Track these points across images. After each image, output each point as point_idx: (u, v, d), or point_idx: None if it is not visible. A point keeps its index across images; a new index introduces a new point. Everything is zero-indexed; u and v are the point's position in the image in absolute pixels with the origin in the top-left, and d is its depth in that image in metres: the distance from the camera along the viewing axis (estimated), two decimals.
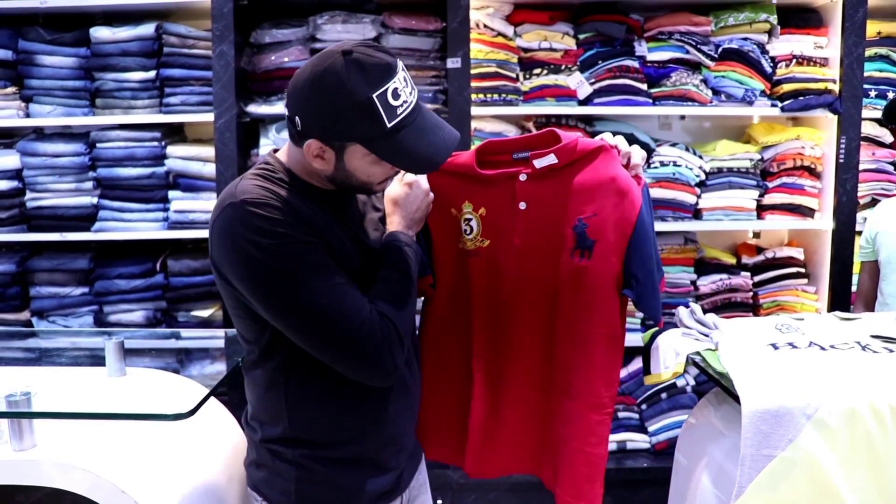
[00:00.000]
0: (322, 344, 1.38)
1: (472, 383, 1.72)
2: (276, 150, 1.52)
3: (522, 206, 1.62)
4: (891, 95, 2.95)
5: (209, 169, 2.81)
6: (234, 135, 2.74)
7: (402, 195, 1.58)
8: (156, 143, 2.84)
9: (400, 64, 1.37)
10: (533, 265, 1.64)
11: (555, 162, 1.60)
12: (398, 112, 1.34)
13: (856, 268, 2.80)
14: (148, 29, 2.79)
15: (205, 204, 2.83)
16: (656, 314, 1.66)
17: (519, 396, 1.73)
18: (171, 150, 2.86)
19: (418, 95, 1.41)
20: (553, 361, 1.69)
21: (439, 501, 2.82)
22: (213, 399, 1.93)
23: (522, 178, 1.62)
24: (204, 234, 2.83)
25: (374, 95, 1.31)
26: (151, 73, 2.81)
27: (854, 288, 2.84)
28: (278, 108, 2.82)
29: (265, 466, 1.55)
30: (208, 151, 2.81)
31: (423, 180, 1.60)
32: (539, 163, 1.60)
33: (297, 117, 1.37)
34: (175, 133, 3.02)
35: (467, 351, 1.72)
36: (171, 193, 2.86)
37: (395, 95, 1.34)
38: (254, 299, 1.38)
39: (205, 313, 2.88)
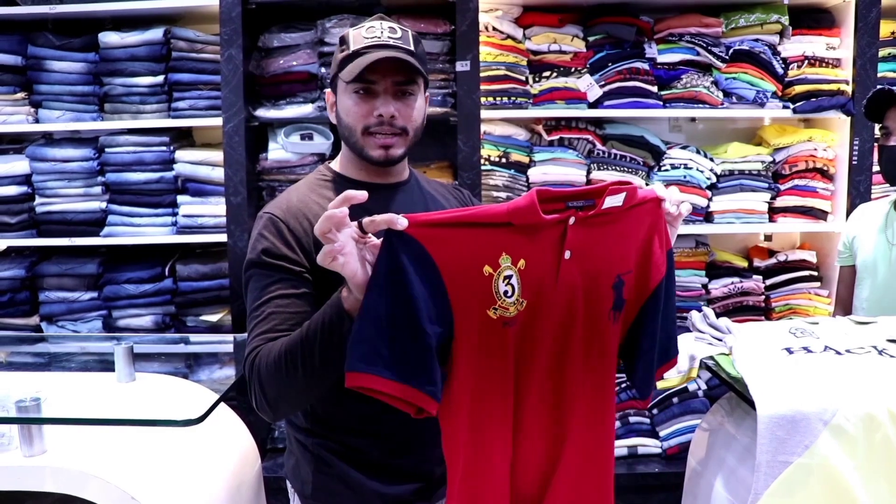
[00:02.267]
0: None
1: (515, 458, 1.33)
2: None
3: (567, 255, 1.30)
4: None
5: (218, 173, 2.80)
6: (243, 139, 2.73)
7: None
8: (164, 148, 2.84)
9: (389, 20, 1.47)
10: (573, 328, 1.33)
11: (620, 205, 1.33)
12: (366, 40, 1.41)
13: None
14: (156, 34, 2.79)
15: (213, 209, 2.82)
16: (646, 391, 1.45)
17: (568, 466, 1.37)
18: (180, 154, 2.85)
19: (404, 39, 1.44)
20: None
21: None
22: (222, 404, 1.93)
23: (572, 221, 1.29)
24: (212, 238, 2.83)
25: (353, 29, 1.44)
26: (160, 78, 2.81)
27: None
28: (287, 111, 2.82)
29: (293, 455, 1.58)
30: (217, 156, 2.81)
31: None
32: (610, 201, 1.32)
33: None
34: (183, 137, 3.02)
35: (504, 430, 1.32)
36: (180, 198, 2.86)
37: (373, 28, 1.43)
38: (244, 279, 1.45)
39: (214, 318, 2.88)
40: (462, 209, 1.26)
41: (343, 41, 1.44)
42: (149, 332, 2.87)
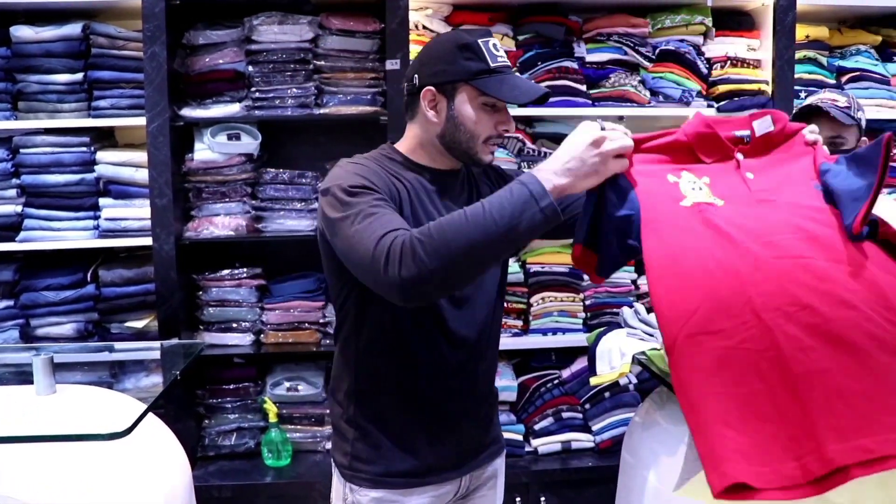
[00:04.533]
0: (355, 268, 1.47)
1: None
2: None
3: (750, 175, 1.47)
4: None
5: (142, 175, 2.71)
6: (168, 139, 2.65)
7: (568, 140, 1.41)
8: (84, 149, 2.73)
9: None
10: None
11: (772, 128, 1.50)
12: (499, 59, 1.59)
13: None
14: (74, 29, 2.68)
15: (138, 211, 2.73)
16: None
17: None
18: (101, 155, 2.75)
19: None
20: None
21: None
22: (150, 414, 1.87)
23: (740, 156, 1.49)
24: (136, 241, 2.73)
25: (479, 40, 1.58)
26: (79, 76, 2.69)
27: None
28: (214, 111, 2.75)
29: (335, 428, 1.76)
30: (140, 157, 2.71)
31: (609, 143, 1.38)
32: (759, 126, 1.50)
33: (415, 76, 1.63)
34: (105, 138, 2.91)
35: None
36: (102, 201, 2.75)
37: (496, 47, 1.60)
38: (331, 244, 1.53)
39: (139, 324, 2.79)
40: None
41: (470, 49, 1.57)
42: (70, 340, 2.74)
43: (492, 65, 1.57)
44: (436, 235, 1.34)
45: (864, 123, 2.35)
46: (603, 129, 1.39)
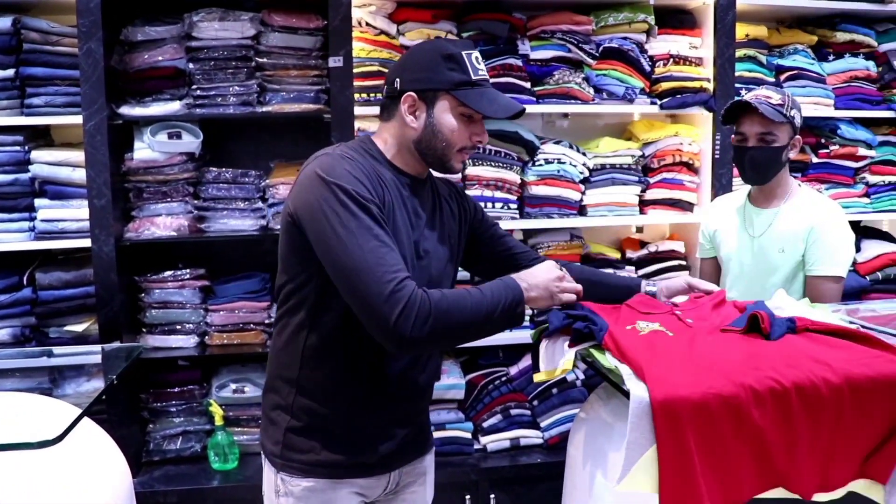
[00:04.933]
0: (353, 290, 1.50)
1: None
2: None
3: (690, 321, 1.88)
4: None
5: (79, 175, 2.64)
6: (106, 138, 2.58)
7: (541, 270, 1.71)
8: (18, 148, 2.65)
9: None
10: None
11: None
12: (480, 72, 1.66)
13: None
14: (4, 23, 2.58)
15: (75, 212, 2.66)
16: None
17: None
18: (36, 154, 2.67)
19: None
20: None
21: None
22: (87, 420, 1.83)
23: (678, 311, 1.94)
24: (74, 243, 2.67)
25: (462, 52, 1.64)
26: (10, 72, 2.61)
27: None
28: (153, 109, 2.69)
29: (266, 417, 1.76)
30: (78, 156, 2.64)
31: (566, 277, 1.75)
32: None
33: (396, 80, 1.66)
34: (40, 136, 2.83)
35: None
36: (38, 201, 2.67)
37: (478, 60, 1.67)
38: (316, 237, 1.54)
39: (79, 328, 2.72)
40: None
41: (454, 60, 1.63)
42: (6, 346, 2.66)
43: (473, 77, 1.64)
44: (449, 309, 1.52)
45: (798, 122, 2.40)
46: (561, 269, 1.74)
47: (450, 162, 1.70)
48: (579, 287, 1.74)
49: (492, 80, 2.75)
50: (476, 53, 1.67)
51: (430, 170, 1.78)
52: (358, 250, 1.48)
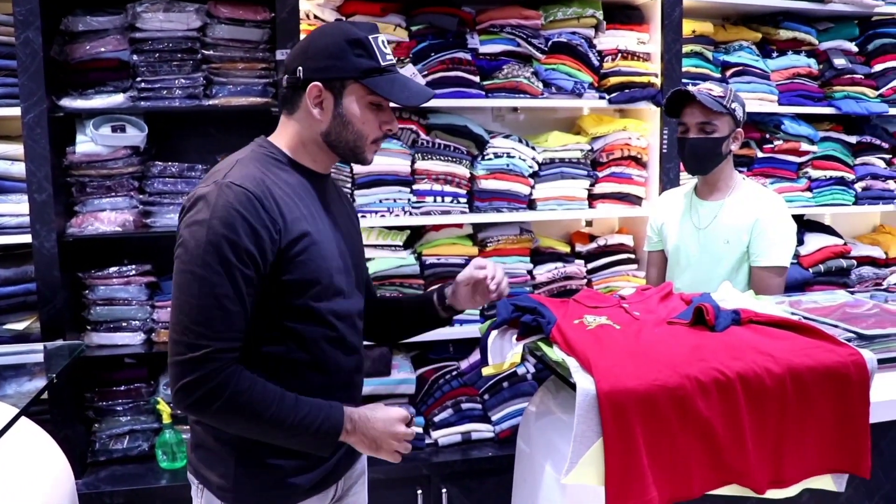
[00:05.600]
0: (171, 330, 1.45)
1: None
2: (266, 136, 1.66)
3: (637, 313, 1.96)
4: None
5: (18, 169, 2.57)
6: (46, 131, 2.51)
7: (384, 421, 1.58)
8: None
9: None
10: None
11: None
12: (387, 57, 1.57)
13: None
14: None
15: (15, 207, 2.59)
16: None
17: None
18: None
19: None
20: None
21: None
22: (26, 420, 1.78)
23: (625, 304, 2.03)
24: (14, 239, 2.59)
25: (369, 36, 1.54)
26: None
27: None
28: (96, 101, 2.63)
29: (204, 448, 1.62)
30: (17, 149, 2.57)
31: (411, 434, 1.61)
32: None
33: (299, 68, 1.55)
34: None
35: None
36: None
37: (384, 44, 1.58)
38: (175, 257, 1.47)
39: (20, 326, 2.65)
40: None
41: (361, 46, 1.53)
42: None
43: (382, 63, 1.55)
44: (246, 405, 1.44)
45: (740, 115, 2.44)
46: (411, 423, 1.61)
47: (363, 154, 1.62)
48: (409, 448, 1.61)
49: (440, 75, 2.82)
50: (382, 36, 1.58)
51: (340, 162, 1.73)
52: (193, 300, 1.42)
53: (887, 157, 3.56)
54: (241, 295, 1.44)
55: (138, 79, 2.67)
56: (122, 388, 2.81)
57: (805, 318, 2.05)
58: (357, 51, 1.53)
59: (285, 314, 1.55)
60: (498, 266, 1.85)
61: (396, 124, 1.67)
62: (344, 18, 2.81)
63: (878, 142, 3.52)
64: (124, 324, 2.77)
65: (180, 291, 1.44)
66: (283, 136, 1.64)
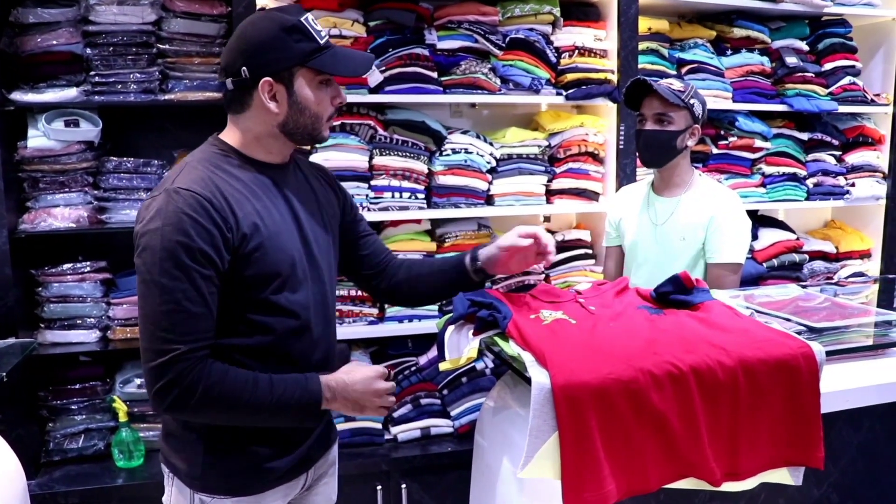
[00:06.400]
0: (140, 337, 1.48)
1: None
2: (219, 133, 1.67)
3: (593, 308, 1.96)
4: None
5: None
6: None
7: (362, 381, 1.62)
8: None
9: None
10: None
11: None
12: (322, 34, 1.59)
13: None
14: None
15: None
16: None
17: None
18: None
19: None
20: None
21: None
22: None
23: (581, 299, 2.02)
24: None
25: (300, 19, 1.56)
26: None
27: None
28: (48, 95, 2.58)
29: (173, 436, 1.66)
30: None
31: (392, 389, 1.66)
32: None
33: (242, 69, 1.54)
34: None
35: None
36: None
37: (315, 22, 1.59)
38: (136, 268, 1.49)
39: None
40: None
41: (298, 30, 1.55)
42: None
43: (321, 42, 1.58)
44: (221, 396, 1.48)
45: (698, 112, 2.48)
46: (389, 378, 1.67)
47: (320, 133, 1.65)
48: (393, 400, 1.67)
49: (398, 70, 2.83)
50: (310, 15, 1.60)
51: (295, 150, 1.75)
52: (156, 307, 1.45)
53: (837, 153, 3.64)
54: (202, 295, 1.47)
55: (92, 73, 2.63)
56: (77, 386, 2.77)
57: (758, 311, 2.09)
58: (295, 36, 1.55)
59: (249, 307, 1.58)
60: (549, 236, 1.90)
61: (345, 95, 1.70)
62: None
63: (828, 139, 3.59)
64: (79, 321, 2.73)
65: (144, 300, 1.47)
66: (234, 134, 1.65)
